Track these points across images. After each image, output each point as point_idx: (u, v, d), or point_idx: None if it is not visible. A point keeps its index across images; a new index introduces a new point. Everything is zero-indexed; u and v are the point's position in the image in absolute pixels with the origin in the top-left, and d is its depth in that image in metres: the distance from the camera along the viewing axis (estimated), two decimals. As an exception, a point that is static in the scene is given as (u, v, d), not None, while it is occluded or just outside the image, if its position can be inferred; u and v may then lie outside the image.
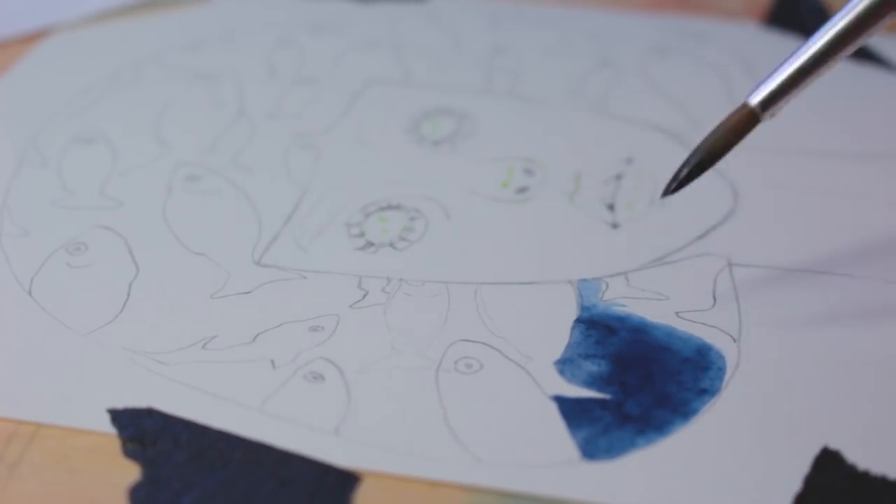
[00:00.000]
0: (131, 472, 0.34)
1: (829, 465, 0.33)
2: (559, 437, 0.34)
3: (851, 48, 0.34)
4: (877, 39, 0.51)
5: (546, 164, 0.45)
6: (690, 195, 0.41)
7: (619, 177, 0.45)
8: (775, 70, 0.34)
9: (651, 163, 0.45)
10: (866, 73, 0.50)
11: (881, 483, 0.33)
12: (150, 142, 0.47)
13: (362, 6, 0.57)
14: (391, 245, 0.42)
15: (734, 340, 0.37)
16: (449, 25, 0.55)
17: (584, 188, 0.44)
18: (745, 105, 0.34)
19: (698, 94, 0.50)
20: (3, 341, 0.38)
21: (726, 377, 0.36)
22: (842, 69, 0.36)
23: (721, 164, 0.45)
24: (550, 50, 0.53)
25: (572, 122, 0.48)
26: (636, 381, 0.36)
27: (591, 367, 0.36)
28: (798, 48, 0.35)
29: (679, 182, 0.35)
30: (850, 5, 0.34)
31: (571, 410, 0.35)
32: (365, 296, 0.39)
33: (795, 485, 0.33)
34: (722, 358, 0.36)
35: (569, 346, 0.37)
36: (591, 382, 0.36)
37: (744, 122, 0.35)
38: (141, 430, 0.35)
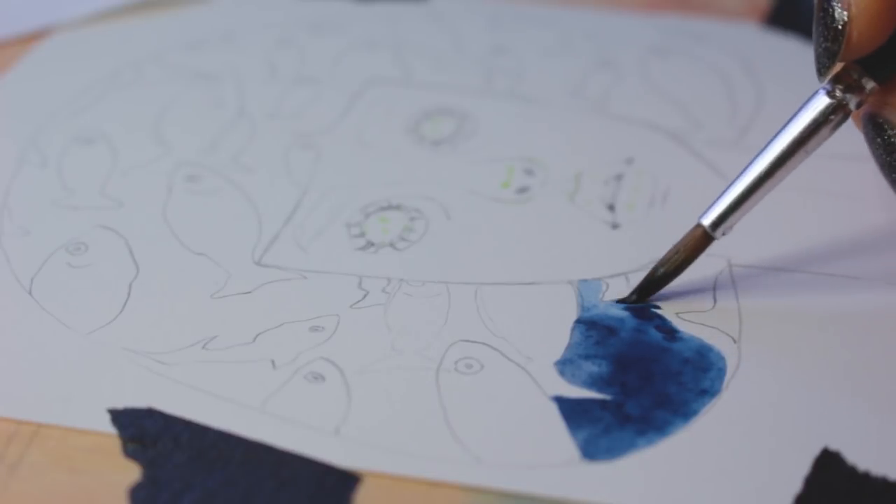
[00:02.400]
0: (132, 473, 0.34)
1: (829, 466, 0.33)
2: (559, 438, 0.34)
3: (802, 158, 0.36)
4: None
5: (546, 165, 0.45)
6: (691, 196, 0.41)
7: (619, 177, 0.45)
8: (726, 189, 0.37)
9: (651, 163, 0.45)
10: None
11: (881, 484, 0.33)
12: (151, 142, 0.47)
13: (362, 6, 0.57)
14: (391, 245, 0.42)
15: (734, 341, 0.37)
16: (449, 25, 0.55)
17: (584, 188, 0.44)
18: (698, 226, 0.37)
19: (698, 94, 0.50)
20: (3, 341, 0.38)
21: (726, 378, 0.36)
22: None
23: (721, 166, 0.45)
24: (550, 50, 0.53)
25: (572, 122, 0.48)
26: (636, 381, 0.36)
27: (592, 367, 0.36)
28: (749, 164, 0.37)
29: (639, 296, 0.39)
30: (797, 116, 0.36)
31: (572, 411, 0.35)
32: (365, 296, 0.39)
33: (796, 485, 0.33)
34: (722, 359, 0.36)
35: (569, 346, 0.37)
36: (592, 383, 0.36)
37: (698, 241, 0.38)
38: (141, 430, 0.35)
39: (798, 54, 0.52)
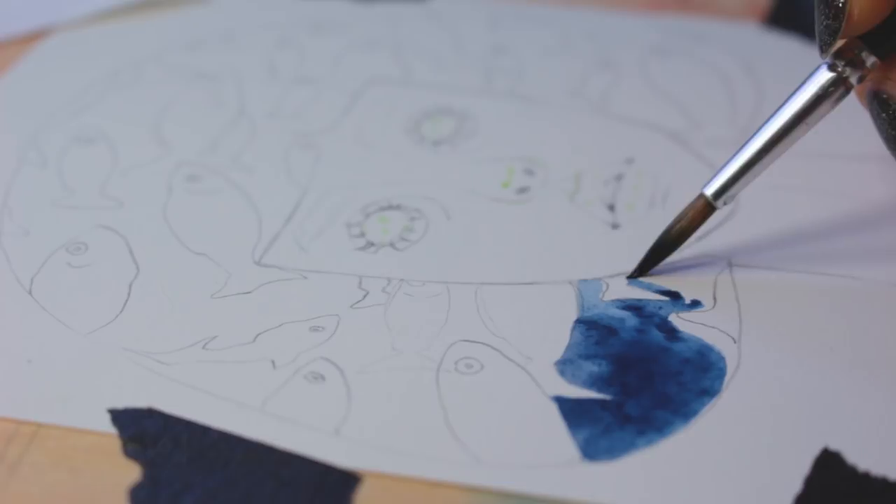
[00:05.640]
0: (132, 473, 0.34)
1: (829, 466, 0.33)
2: (559, 438, 0.34)
3: (803, 131, 0.37)
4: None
5: (546, 165, 0.45)
6: (691, 196, 0.41)
7: (619, 177, 0.45)
8: (728, 161, 0.38)
9: (651, 163, 0.45)
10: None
11: (881, 484, 0.33)
12: (151, 141, 0.47)
13: (362, 6, 0.57)
14: (392, 245, 0.42)
15: (734, 341, 0.37)
16: (449, 25, 0.55)
17: (584, 188, 0.44)
18: (701, 195, 0.38)
19: (698, 94, 0.50)
20: (3, 341, 0.38)
21: (726, 378, 0.36)
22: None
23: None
24: (550, 50, 0.53)
25: (572, 122, 0.48)
26: (636, 381, 0.36)
27: (592, 367, 0.36)
28: (751, 136, 0.38)
29: (642, 267, 0.40)
30: (800, 90, 0.37)
31: (572, 411, 0.35)
32: (365, 296, 0.39)
33: (796, 486, 0.33)
34: (722, 359, 0.36)
35: (569, 346, 0.37)
36: (592, 383, 0.36)
37: (701, 211, 0.39)
38: (141, 430, 0.35)
39: (798, 54, 0.52)
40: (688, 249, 0.40)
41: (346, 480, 0.33)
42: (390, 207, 0.43)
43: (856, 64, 0.36)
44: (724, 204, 0.38)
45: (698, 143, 0.47)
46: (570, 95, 0.50)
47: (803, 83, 0.37)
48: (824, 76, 0.36)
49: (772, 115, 0.37)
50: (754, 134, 0.38)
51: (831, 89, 0.36)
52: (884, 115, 0.36)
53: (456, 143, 0.47)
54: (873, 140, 0.45)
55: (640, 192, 0.44)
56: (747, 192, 0.41)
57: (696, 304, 0.39)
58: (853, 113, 0.39)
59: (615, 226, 0.42)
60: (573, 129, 0.48)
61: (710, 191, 0.38)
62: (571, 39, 0.54)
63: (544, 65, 0.52)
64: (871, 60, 0.36)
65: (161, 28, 0.56)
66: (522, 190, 0.44)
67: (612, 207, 0.43)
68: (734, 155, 0.38)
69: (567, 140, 0.47)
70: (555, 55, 0.53)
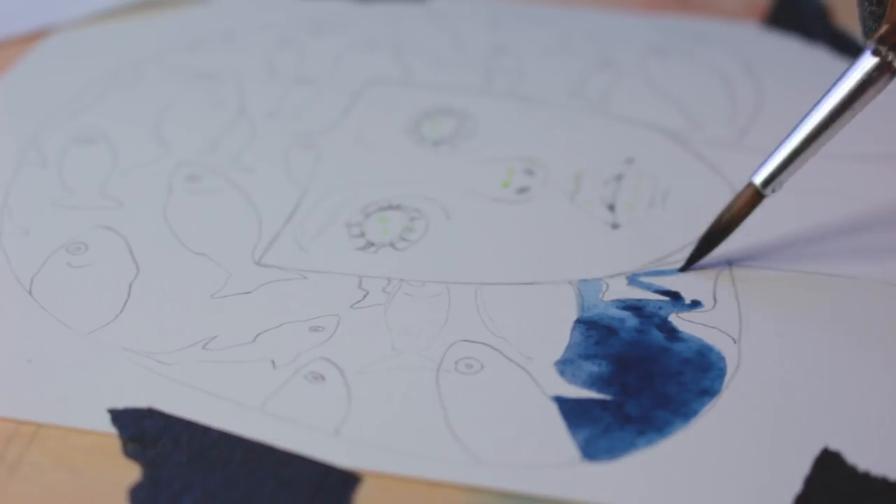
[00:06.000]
0: (132, 473, 0.34)
1: (829, 466, 0.33)
2: (559, 438, 0.34)
3: (849, 117, 0.37)
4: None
5: (546, 165, 0.45)
6: (691, 196, 0.41)
7: (619, 177, 0.45)
8: (776, 149, 0.38)
9: (651, 163, 0.45)
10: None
11: (881, 484, 0.33)
12: (151, 141, 0.47)
13: (362, 6, 0.57)
14: (392, 245, 0.42)
15: (734, 341, 0.37)
16: (449, 25, 0.55)
17: (584, 188, 0.44)
18: (750, 184, 0.39)
19: (698, 94, 0.50)
20: (3, 341, 0.38)
21: (726, 378, 0.36)
22: (842, 70, 0.36)
23: (721, 166, 0.45)
24: (550, 50, 0.53)
25: (572, 122, 0.48)
26: (636, 381, 0.36)
27: (592, 367, 0.36)
28: (797, 124, 0.38)
29: (692, 258, 0.40)
30: (845, 76, 0.37)
31: (572, 411, 0.35)
32: (365, 296, 0.39)
33: (796, 485, 0.33)
34: (722, 359, 0.36)
35: (569, 346, 0.37)
36: (592, 383, 0.36)
37: (750, 199, 0.39)
38: (141, 430, 0.35)
39: (798, 54, 0.52)
40: (688, 249, 0.40)
41: (346, 480, 0.33)
42: (390, 207, 0.43)
43: None
44: (773, 192, 0.38)
45: (698, 143, 0.47)
46: (570, 95, 0.50)
47: (848, 69, 0.37)
48: (869, 62, 0.36)
49: (818, 102, 0.37)
50: (801, 121, 0.38)
51: (875, 74, 0.36)
52: None
53: (456, 143, 0.47)
54: (874, 140, 0.45)
55: (640, 192, 0.44)
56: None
57: (696, 304, 0.39)
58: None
59: (615, 226, 0.42)
60: (573, 129, 0.48)
61: (759, 179, 0.38)
62: (571, 39, 0.54)
63: (544, 65, 0.52)
64: None
65: (161, 28, 0.56)
66: (522, 190, 0.44)
67: (612, 207, 0.43)
68: (782, 142, 0.38)
69: (567, 140, 0.47)
70: (555, 55, 0.53)
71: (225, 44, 0.54)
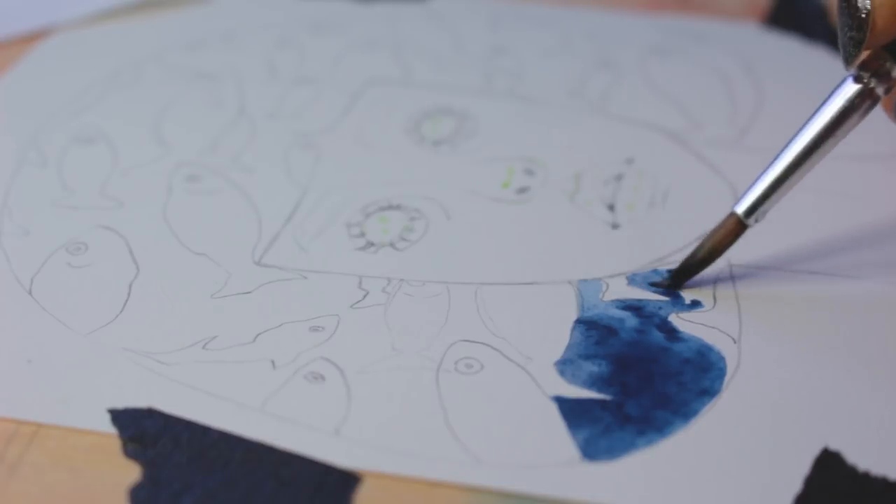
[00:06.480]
0: (132, 473, 0.34)
1: (829, 466, 0.33)
2: (559, 438, 0.34)
3: (832, 145, 0.37)
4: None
5: (546, 165, 0.45)
6: (691, 196, 0.41)
7: (619, 177, 0.45)
8: (758, 178, 0.37)
9: (651, 163, 0.45)
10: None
11: (881, 484, 0.33)
12: (151, 142, 0.47)
13: (362, 6, 0.57)
14: (391, 245, 0.42)
15: (734, 341, 0.37)
16: (449, 25, 0.55)
17: (584, 188, 0.44)
18: (732, 214, 0.38)
19: (698, 94, 0.50)
20: (3, 341, 0.38)
21: (726, 378, 0.36)
22: (841, 71, 0.36)
23: (721, 166, 0.45)
24: (550, 50, 0.53)
25: (572, 123, 0.48)
26: (636, 381, 0.36)
27: (592, 367, 0.36)
28: (779, 153, 0.37)
29: (673, 282, 0.39)
30: (826, 103, 0.36)
31: (572, 411, 0.35)
32: (365, 296, 0.39)
33: (796, 485, 0.33)
34: (722, 359, 0.36)
35: (569, 346, 0.37)
36: (592, 383, 0.36)
37: (733, 230, 0.38)
38: (141, 430, 0.35)
39: (798, 54, 0.52)
40: (688, 249, 0.40)
41: (346, 480, 0.33)
42: (390, 207, 0.43)
43: (881, 75, 0.35)
44: (756, 221, 0.38)
45: (698, 143, 0.47)
46: (570, 95, 0.50)
47: (829, 96, 0.36)
48: (851, 88, 0.36)
49: (800, 130, 0.37)
50: (783, 150, 0.37)
51: (858, 101, 0.36)
52: None
53: (456, 143, 0.47)
54: (874, 140, 0.45)
55: (640, 192, 0.44)
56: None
57: (696, 304, 0.39)
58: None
59: (615, 226, 0.42)
60: (573, 129, 0.48)
61: (741, 209, 0.37)
62: (571, 39, 0.54)
63: (544, 65, 0.52)
64: None
65: (161, 28, 0.56)
66: (522, 190, 0.44)
67: (612, 207, 0.43)
68: (763, 172, 0.37)
69: (567, 140, 0.47)
70: (554, 55, 0.53)
71: (225, 44, 0.54)
